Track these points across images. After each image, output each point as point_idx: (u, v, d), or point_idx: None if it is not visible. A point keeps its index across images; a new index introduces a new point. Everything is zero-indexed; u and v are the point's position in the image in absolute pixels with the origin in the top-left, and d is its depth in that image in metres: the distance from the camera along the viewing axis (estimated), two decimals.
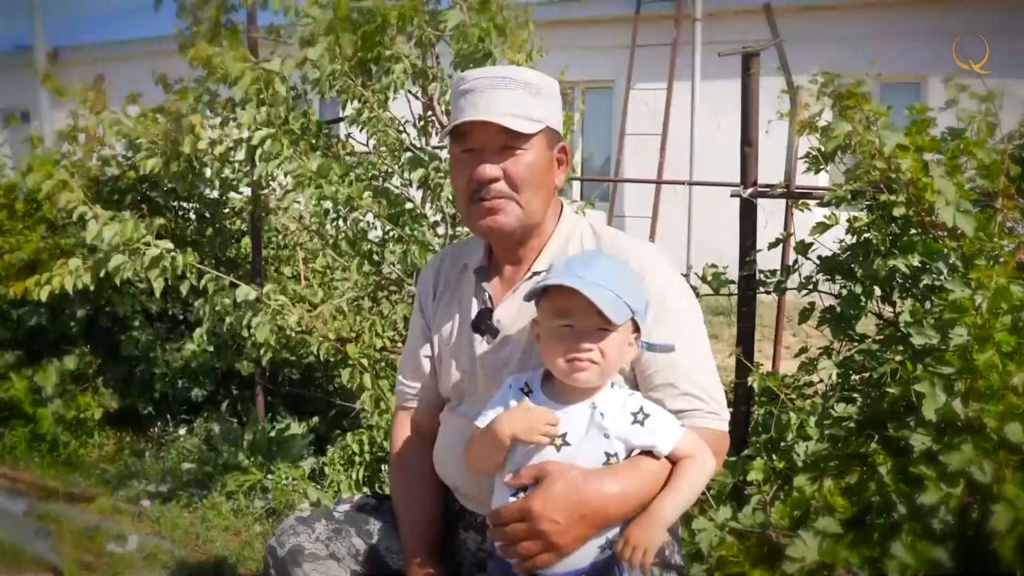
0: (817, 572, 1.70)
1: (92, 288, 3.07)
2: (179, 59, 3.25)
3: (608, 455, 1.41)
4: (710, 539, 1.87)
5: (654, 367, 1.52)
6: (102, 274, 3.00)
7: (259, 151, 2.95)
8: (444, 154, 3.01)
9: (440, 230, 3.18)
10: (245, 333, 3.14)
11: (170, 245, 3.06)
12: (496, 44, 2.78)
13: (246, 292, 3.08)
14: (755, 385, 2.36)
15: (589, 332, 1.39)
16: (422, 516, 1.67)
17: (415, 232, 3.02)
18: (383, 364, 3.16)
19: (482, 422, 1.48)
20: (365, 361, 3.06)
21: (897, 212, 2.08)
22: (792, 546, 1.71)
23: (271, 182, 3.57)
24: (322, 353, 3.10)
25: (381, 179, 3.16)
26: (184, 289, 3.10)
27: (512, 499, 1.42)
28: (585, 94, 9.24)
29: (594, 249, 1.61)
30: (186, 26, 3.22)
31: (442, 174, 2.94)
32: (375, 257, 3.32)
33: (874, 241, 2.20)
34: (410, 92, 3.09)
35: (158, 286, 3.02)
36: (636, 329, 1.45)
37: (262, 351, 3.13)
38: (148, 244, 2.99)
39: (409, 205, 3.12)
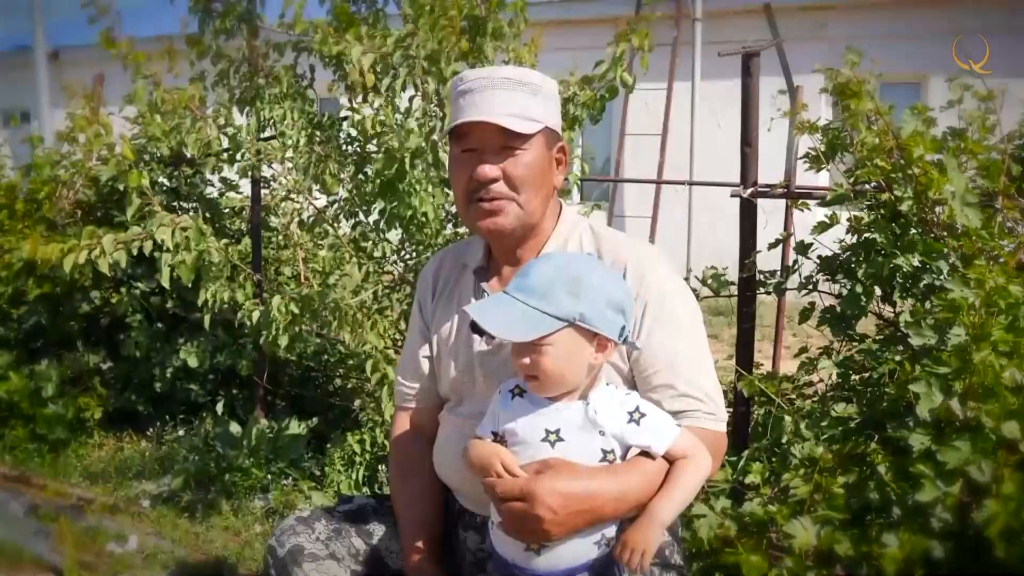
0: (815, 566, 1.70)
1: (123, 265, 2.92)
2: (179, 59, 3.23)
3: (604, 452, 1.42)
4: (709, 526, 1.87)
5: (652, 368, 1.52)
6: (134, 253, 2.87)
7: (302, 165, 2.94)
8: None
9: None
10: (271, 346, 3.12)
11: (222, 243, 2.99)
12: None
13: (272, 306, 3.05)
14: (745, 390, 2.36)
15: (521, 346, 1.40)
16: (422, 516, 1.67)
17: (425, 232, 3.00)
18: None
19: (481, 431, 1.49)
20: (391, 352, 3.03)
21: (904, 207, 2.08)
22: (789, 524, 1.71)
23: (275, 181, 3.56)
24: (352, 342, 3.03)
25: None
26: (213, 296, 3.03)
27: None
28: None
29: (558, 253, 1.58)
30: (199, 20, 3.17)
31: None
32: (375, 255, 3.32)
33: (875, 240, 2.20)
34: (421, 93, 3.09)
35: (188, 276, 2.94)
36: (595, 335, 1.40)
37: (279, 344, 3.10)
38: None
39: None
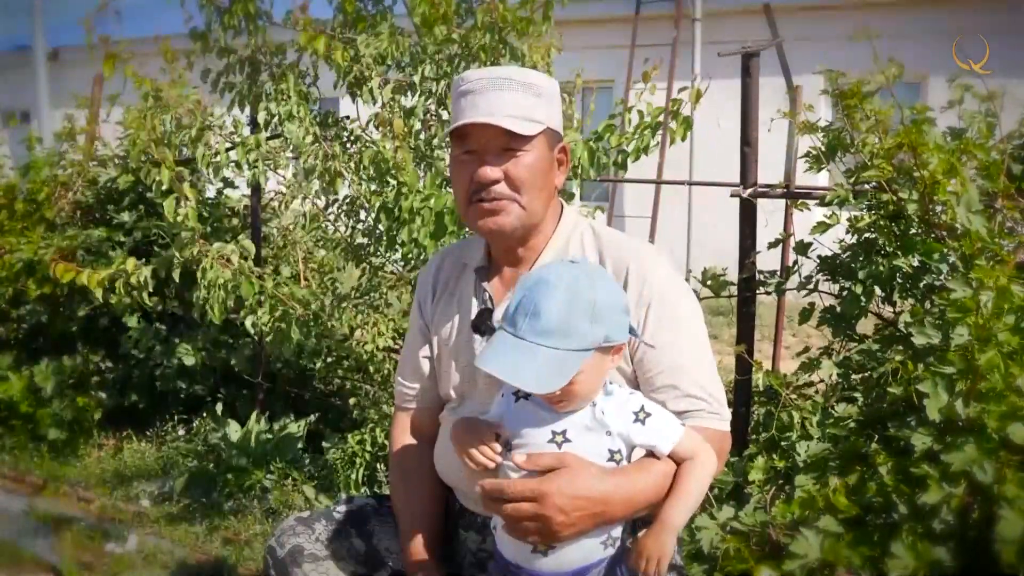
0: (819, 571, 1.70)
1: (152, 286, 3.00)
2: (177, 59, 3.22)
3: (611, 452, 1.42)
4: (711, 539, 1.87)
5: (656, 369, 1.52)
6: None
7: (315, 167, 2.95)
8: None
9: None
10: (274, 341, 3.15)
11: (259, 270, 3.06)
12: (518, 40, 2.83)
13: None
14: (760, 382, 2.35)
15: None
16: (422, 516, 1.67)
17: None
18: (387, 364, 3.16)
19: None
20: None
21: (910, 209, 2.08)
22: (795, 543, 1.71)
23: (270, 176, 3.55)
24: (367, 349, 3.06)
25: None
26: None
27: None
28: (584, 94, 9.23)
29: (551, 277, 1.41)
30: (205, 16, 3.15)
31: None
32: (375, 255, 3.31)
33: (875, 240, 2.20)
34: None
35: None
36: (617, 349, 1.41)
37: (282, 346, 3.14)
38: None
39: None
